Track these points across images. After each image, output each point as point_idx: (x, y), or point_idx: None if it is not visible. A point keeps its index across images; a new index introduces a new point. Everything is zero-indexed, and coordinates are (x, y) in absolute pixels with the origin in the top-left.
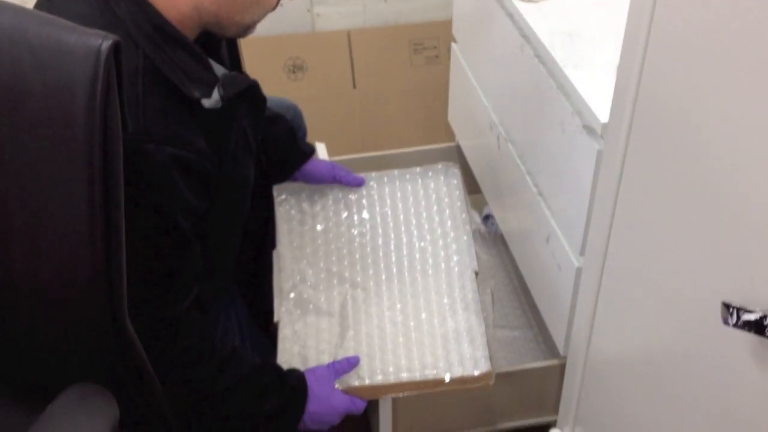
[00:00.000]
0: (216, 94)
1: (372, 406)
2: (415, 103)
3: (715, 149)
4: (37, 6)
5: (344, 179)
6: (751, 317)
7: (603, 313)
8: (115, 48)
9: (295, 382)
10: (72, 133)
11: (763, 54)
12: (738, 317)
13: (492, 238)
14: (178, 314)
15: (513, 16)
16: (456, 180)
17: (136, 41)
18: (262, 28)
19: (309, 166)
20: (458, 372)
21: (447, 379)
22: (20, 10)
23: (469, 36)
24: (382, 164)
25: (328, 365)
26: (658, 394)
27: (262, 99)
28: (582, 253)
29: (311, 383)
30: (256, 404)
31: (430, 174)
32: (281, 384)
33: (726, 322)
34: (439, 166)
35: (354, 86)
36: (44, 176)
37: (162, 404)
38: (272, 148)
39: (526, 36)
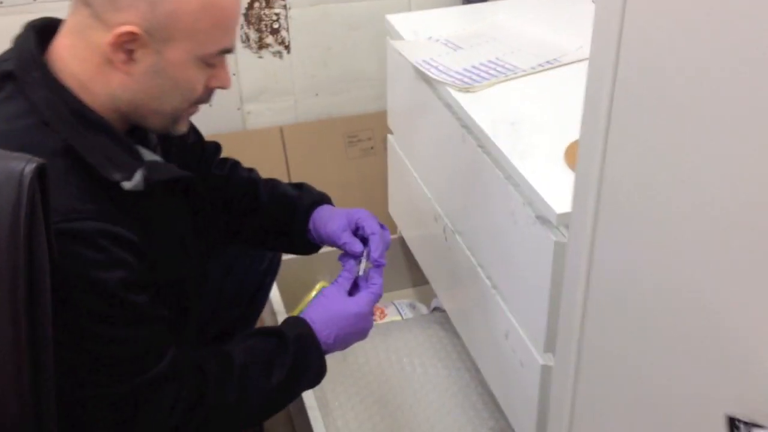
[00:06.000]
0: (138, 176)
1: None
2: (353, 196)
3: (688, 231)
4: None
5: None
6: None
7: (582, 418)
8: (40, 170)
9: (296, 332)
10: None
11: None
12: None
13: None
14: (154, 378)
15: (451, 106)
16: None
17: (52, 127)
18: None
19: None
20: None
21: None
22: None
23: (406, 127)
24: (324, 261)
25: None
26: None
27: (200, 196)
28: (547, 349)
29: (318, 313)
30: (272, 380)
31: None
32: (282, 345)
33: None
34: None
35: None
36: None
37: None
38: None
39: (467, 126)
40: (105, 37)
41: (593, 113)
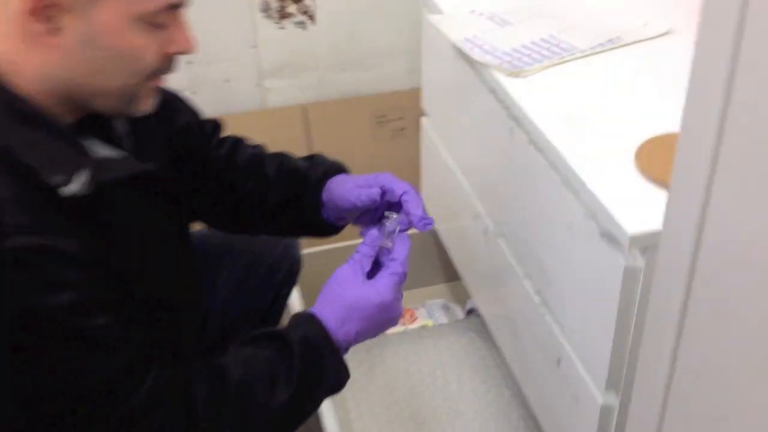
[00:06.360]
0: (83, 177)
1: None
2: None
3: None
4: None
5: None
6: None
7: None
8: None
9: (303, 332)
10: None
11: None
12: None
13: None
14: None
15: (497, 93)
16: None
17: None
18: (206, 106)
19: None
20: None
21: None
22: None
23: (442, 111)
24: (348, 254)
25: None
26: None
27: (173, 191)
28: (609, 386)
29: (330, 307)
30: (277, 397)
31: None
32: (286, 352)
33: None
34: None
35: None
36: None
37: None
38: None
39: (516, 117)
40: (21, 5)
41: (701, 102)
